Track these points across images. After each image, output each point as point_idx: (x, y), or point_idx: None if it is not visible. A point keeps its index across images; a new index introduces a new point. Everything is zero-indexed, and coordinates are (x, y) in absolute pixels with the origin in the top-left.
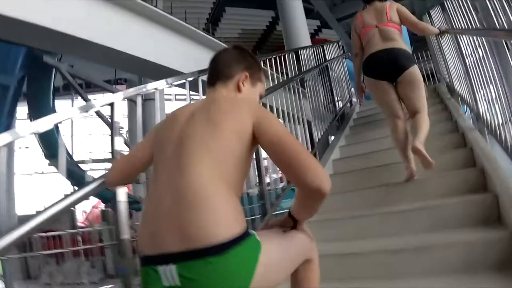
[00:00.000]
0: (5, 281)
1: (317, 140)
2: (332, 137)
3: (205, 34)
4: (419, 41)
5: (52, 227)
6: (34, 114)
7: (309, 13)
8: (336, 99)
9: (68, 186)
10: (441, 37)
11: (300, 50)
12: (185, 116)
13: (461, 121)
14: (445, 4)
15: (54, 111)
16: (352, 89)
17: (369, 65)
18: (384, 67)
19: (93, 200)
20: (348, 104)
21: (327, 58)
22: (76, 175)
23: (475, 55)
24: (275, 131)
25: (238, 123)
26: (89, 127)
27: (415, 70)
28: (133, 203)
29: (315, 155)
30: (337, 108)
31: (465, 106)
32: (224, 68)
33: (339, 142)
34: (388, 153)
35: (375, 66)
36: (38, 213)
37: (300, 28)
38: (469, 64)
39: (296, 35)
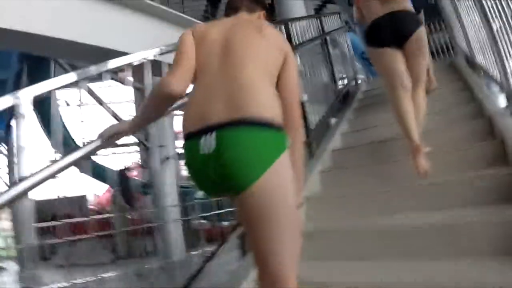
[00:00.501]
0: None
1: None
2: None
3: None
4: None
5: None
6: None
7: None
8: (337, 77)
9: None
10: None
11: (291, 22)
12: (227, 26)
13: (487, 102)
14: None
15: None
16: (357, 64)
17: (371, 34)
18: (387, 34)
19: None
20: (353, 83)
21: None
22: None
23: (504, 15)
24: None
25: (279, 44)
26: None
27: (422, 33)
28: (142, 187)
29: (310, 144)
30: (338, 87)
31: (492, 83)
32: (248, 3)
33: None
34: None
35: (377, 35)
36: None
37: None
38: (496, 29)
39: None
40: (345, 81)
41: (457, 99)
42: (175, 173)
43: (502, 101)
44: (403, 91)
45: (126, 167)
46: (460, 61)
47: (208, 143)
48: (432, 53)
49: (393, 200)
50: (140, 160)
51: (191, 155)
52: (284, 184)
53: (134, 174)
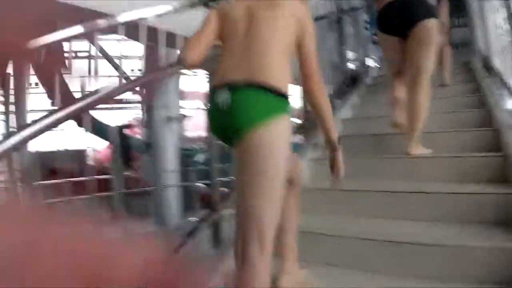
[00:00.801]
0: None
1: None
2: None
3: None
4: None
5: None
6: None
7: None
8: (347, 57)
9: None
10: None
11: None
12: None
13: (498, 111)
14: None
15: None
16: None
17: (379, 19)
18: (393, 20)
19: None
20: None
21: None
22: None
23: None
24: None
25: (296, 15)
26: None
27: (428, 25)
28: (142, 146)
29: (305, 127)
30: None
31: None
32: None
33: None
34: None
35: (385, 20)
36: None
37: None
38: None
39: None
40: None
41: (467, 102)
42: (177, 135)
43: None
44: (397, 81)
45: (126, 124)
46: (476, 62)
47: (224, 95)
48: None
49: (378, 204)
50: (142, 118)
51: (211, 104)
52: (276, 144)
53: (134, 131)
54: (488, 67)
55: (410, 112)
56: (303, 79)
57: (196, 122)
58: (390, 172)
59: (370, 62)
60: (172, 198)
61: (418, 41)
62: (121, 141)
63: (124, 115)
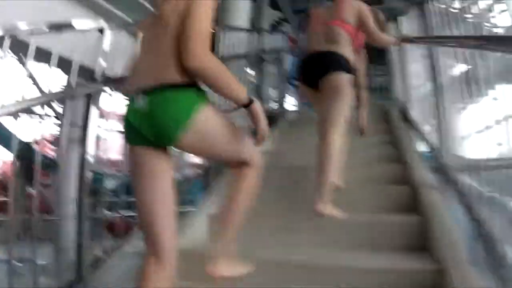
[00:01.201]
0: None
1: None
2: None
3: None
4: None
5: None
6: None
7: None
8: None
9: None
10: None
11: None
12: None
13: (415, 167)
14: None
15: None
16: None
17: (301, 66)
18: (309, 70)
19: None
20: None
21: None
22: None
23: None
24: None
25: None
26: None
27: (340, 77)
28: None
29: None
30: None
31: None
32: None
33: None
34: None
35: (302, 70)
36: None
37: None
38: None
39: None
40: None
41: (380, 153)
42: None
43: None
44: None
45: (36, 140)
46: (394, 111)
47: (140, 101)
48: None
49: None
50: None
51: (129, 116)
52: (212, 127)
53: (44, 147)
54: (406, 117)
55: (321, 165)
56: (185, 48)
57: (111, 144)
58: (298, 227)
59: (288, 102)
60: (72, 226)
61: (330, 93)
62: (28, 156)
63: (36, 127)
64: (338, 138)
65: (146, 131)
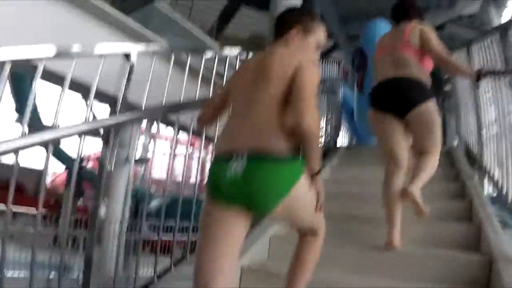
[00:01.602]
0: None
1: None
2: None
3: None
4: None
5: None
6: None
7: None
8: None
9: None
10: (476, 83)
11: None
12: (252, 69)
13: (493, 238)
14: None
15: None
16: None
17: (375, 94)
18: (390, 99)
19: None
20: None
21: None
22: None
23: None
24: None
25: (287, 65)
26: None
27: (428, 108)
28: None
29: None
30: None
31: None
32: (277, 28)
33: None
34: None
35: (380, 96)
36: None
37: None
38: None
39: None
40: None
41: (447, 211)
42: (132, 179)
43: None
44: (395, 168)
45: (85, 156)
46: (459, 154)
47: (237, 165)
48: None
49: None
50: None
51: (217, 175)
52: (303, 198)
53: (91, 164)
54: (473, 161)
55: (419, 168)
56: (295, 125)
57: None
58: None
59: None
60: (111, 248)
61: (420, 125)
62: (78, 171)
63: (88, 146)
64: (436, 157)
65: (236, 195)
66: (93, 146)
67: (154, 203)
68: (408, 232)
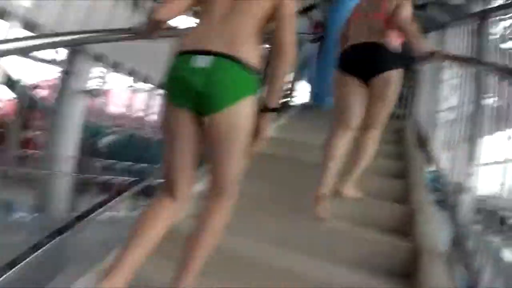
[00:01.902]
0: None
1: None
2: None
3: None
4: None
5: None
6: None
7: None
8: None
9: None
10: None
11: None
12: None
13: (422, 227)
14: None
15: None
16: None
17: (344, 57)
18: (358, 62)
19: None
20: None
21: None
22: None
23: None
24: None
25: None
26: None
27: (390, 77)
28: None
29: None
30: None
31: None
32: None
33: None
34: None
35: (348, 59)
36: None
37: None
38: None
39: None
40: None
41: (389, 191)
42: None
43: None
44: (343, 131)
45: (36, 85)
46: (410, 134)
47: (204, 60)
48: None
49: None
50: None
51: (180, 66)
52: (246, 122)
53: (44, 93)
54: (423, 142)
55: (356, 155)
56: (276, 44)
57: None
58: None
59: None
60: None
61: (377, 92)
62: (28, 100)
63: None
64: (376, 134)
65: (197, 86)
66: (45, 74)
67: (107, 140)
68: (340, 208)
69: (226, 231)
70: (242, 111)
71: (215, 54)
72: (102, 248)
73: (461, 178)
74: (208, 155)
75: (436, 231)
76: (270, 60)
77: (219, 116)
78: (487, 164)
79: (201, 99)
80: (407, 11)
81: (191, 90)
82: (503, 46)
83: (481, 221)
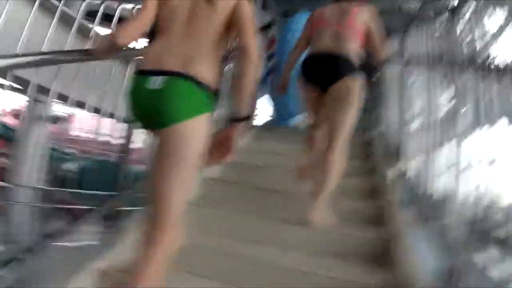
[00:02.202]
0: None
1: None
2: None
3: None
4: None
5: None
6: None
7: None
8: None
9: None
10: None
11: None
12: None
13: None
14: None
15: None
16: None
17: (305, 65)
18: (317, 70)
19: None
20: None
21: None
22: None
23: None
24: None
25: (225, 6)
26: None
27: (351, 82)
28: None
29: None
30: None
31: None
32: None
33: None
34: None
35: (309, 68)
36: None
37: None
38: None
39: None
40: None
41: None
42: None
43: None
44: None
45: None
46: (378, 147)
47: (158, 82)
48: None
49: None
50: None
51: (138, 87)
52: (198, 139)
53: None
54: (391, 153)
55: (324, 172)
56: (239, 49)
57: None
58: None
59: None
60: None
61: (337, 99)
62: None
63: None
64: (342, 154)
65: (151, 106)
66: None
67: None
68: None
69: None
70: (193, 127)
71: (169, 73)
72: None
73: (441, 187)
74: (154, 175)
75: (419, 260)
76: (236, 67)
77: (167, 132)
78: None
79: (153, 117)
80: (378, 26)
81: (146, 110)
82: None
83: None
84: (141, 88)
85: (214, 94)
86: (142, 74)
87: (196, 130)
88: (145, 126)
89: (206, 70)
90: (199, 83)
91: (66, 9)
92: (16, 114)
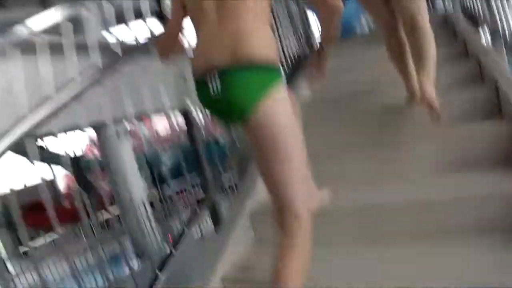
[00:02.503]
0: None
1: None
2: None
3: None
4: None
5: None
6: None
7: None
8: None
9: None
10: None
11: None
12: None
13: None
14: None
15: None
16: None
17: None
18: None
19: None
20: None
21: None
22: None
23: None
24: None
25: None
26: None
27: None
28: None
29: None
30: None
31: None
32: None
33: None
34: None
35: None
36: None
37: None
38: None
39: None
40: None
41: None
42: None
43: None
44: (389, 31)
45: (78, 155)
46: (460, 20)
47: (215, 86)
48: None
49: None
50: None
51: (202, 97)
52: (282, 116)
53: (87, 154)
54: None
55: (420, 52)
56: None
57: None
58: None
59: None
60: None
61: None
62: (77, 168)
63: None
64: (428, 28)
65: (222, 111)
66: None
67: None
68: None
69: None
70: (272, 105)
71: (221, 71)
72: None
73: None
74: (261, 172)
75: None
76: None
77: (250, 124)
78: None
79: (231, 116)
80: None
81: (221, 113)
82: None
83: None
84: (205, 97)
85: (275, 68)
86: (198, 82)
87: (275, 108)
88: (228, 124)
89: (258, 44)
90: (254, 65)
91: None
92: (91, 145)
